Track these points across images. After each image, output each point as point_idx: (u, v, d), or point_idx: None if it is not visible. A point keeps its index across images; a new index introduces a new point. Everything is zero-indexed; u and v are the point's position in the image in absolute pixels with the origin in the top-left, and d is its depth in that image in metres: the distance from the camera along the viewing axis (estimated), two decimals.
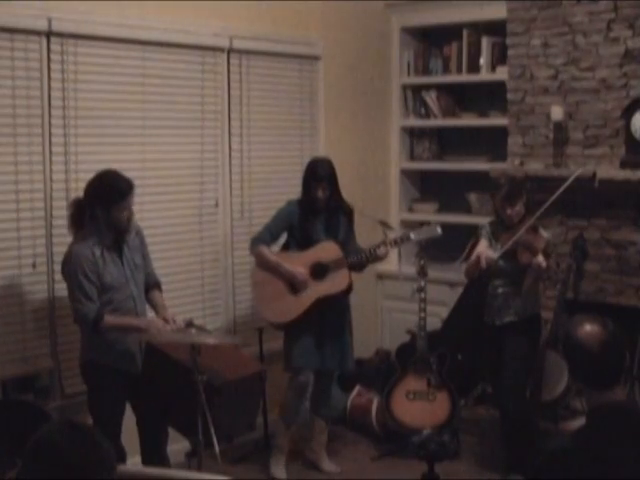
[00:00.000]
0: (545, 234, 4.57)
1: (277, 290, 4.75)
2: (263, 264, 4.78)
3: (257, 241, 4.79)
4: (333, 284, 4.75)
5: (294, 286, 4.74)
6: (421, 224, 5.19)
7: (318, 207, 4.77)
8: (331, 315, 4.80)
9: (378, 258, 4.82)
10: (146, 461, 4.14)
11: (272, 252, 4.82)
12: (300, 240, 4.80)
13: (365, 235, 5.19)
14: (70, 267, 3.94)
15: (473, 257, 4.64)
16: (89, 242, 3.94)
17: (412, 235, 4.86)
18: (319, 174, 4.73)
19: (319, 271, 4.74)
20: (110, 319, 3.93)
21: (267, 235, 4.80)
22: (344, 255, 4.75)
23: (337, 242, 4.78)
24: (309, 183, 4.74)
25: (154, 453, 4.22)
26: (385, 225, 4.90)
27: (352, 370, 5.15)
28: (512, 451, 4.62)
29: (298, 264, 4.73)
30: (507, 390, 4.62)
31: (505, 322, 4.64)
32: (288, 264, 4.73)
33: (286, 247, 4.89)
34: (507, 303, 4.64)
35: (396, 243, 4.82)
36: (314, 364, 4.81)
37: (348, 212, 4.90)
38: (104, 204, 3.93)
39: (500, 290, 4.65)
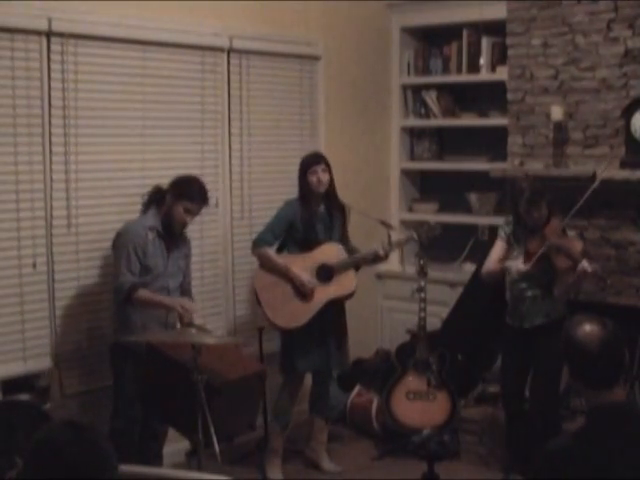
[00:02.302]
0: (571, 234, 4.53)
1: (285, 294, 4.71)
2: (269, 267, 4.73)
3: (260, 242, 4.75)
4: (341, 286, 4.75)
5: (301, 290, 4.72)
6: (420, 224, 5.13)
7: (318, 195, 4.70)
8: (332, 316, 4.79)
9: (382, 259, 4.83)
10: (141, 460, 4.14)
11: (277, 255, 4.78)
12: (302, 241, 4.76)
13: (364, 235, 5.20)
14: (122, 239, 4.23)
15: (494, 265, 4.57)
16: (146, 224, 4.24)
17: (415, 235, 4.88)
18: (318, 155, 4.78)
19: (325, 273, 4.73)
20: (144, 293, 4.16)
21: (270, 236, 4.75)
22: (349, 257, 4.75)
23: (339, 243, 4.78)
24: (309, 167, 4.68)
25: (150, 452, 4.22)
26: (387, 225, 4.86)
27: (349, 369, 5.20)
28: (531, 450, 4.42)
29: (304, 266, 4.70)
30: (541, 391, 4.54)
31: (535, 325, 4.53)
32: (295, 267, 4.69)
33: (281, 246, 4.84)
34: (537, 306, 4.53)
35: (400, 244, 4.83)
36: (316, 366, 4.81)
37: (342, 209, 4.88)
38: (176, 195, 4.22)
39: (529, 293, 4.53)
